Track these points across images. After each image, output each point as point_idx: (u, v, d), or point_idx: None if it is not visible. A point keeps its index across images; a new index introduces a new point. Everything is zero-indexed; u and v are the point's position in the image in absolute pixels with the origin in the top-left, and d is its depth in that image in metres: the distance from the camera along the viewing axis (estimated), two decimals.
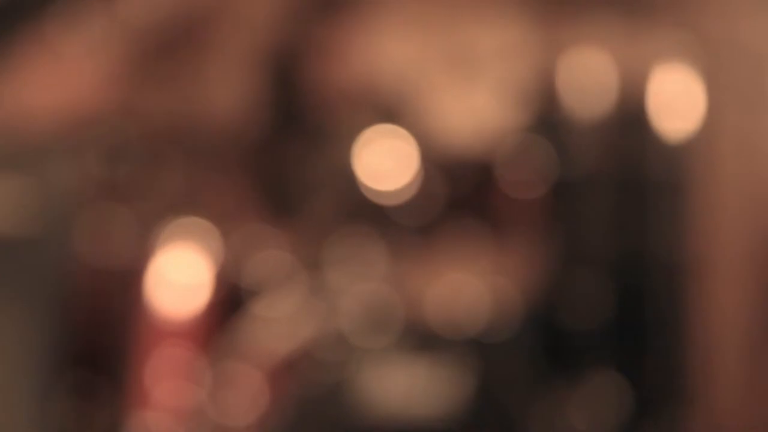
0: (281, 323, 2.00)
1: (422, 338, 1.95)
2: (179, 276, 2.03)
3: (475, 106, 2.12)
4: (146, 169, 2.11)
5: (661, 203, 2.07)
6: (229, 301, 2.02)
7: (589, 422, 2.00)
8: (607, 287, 2.06)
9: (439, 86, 2.14)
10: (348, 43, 2.16)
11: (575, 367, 2.05)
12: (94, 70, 2.09)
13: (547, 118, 2.11)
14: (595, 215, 2.08)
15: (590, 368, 2.04)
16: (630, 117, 2.07)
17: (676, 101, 2.06)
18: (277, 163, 2.14)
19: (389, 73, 2.14)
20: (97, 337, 2.03)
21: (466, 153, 2.12)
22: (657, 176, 2.08)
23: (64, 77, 2.08)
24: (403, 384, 1.92)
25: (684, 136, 2.06)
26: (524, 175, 2.10)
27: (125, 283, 2.02)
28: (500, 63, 2.13)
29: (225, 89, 2.15)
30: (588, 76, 2.08)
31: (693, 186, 2.04)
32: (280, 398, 1.93)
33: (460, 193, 2.10)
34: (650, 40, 2.06)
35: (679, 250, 2.06)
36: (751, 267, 2.02)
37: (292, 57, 2.17)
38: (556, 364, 2.04)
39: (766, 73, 1.98)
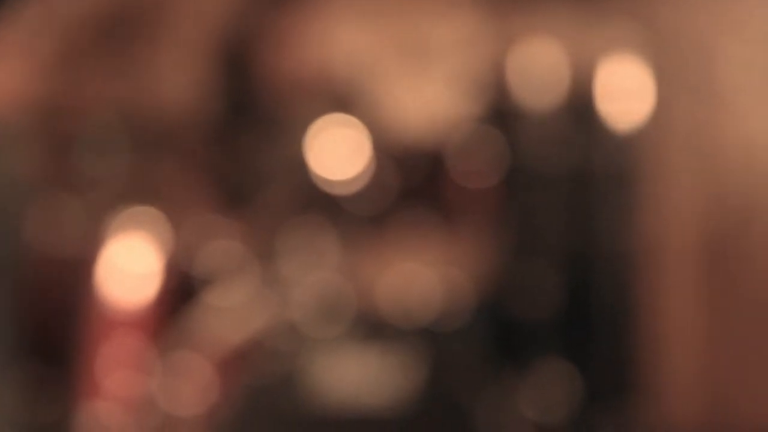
0: (233, 313, 1.98)
1: (374, 328, 1.94)
2: (130, 265, 2.01)
3: (428, 97, 2.12)
4: (96, 159, 2.09)
5: (611, 194, 2.08)
6: (181, 291, 2.00)
7: (540, 411, 2.00)
8: (558, 277, 2.07)
9: (392, 76, 2.13)
10: (301, 33, 2.14)
11: (526, 356, 2.05)
12: (39, 59, 2.06)
13: (499, 108, 2.10)
14: (545, 206, 2.08)
15: (540, 357, 2.04)
16: (581, 108, 2.07)
17: (627, 92, 2.06)
18: (229, 153, 2.13)
19: (342, 62, 2.13)
20: (48, 327, 2.01)
21: (419, 143, 2.11)
22: (607, 167, 2.08)
23: (8, 66, 2.05)
24: (354, 373, 1.91)
25: (634, 127, 2.06)
26: (476, 165, 2.10)
27: (76, 272, 2.00)
28: (453, 53, 2.12)
29: (177, 78, 2.13)
30: (539, 67, 2.08)
31: (643, 177, 2.04)
32: (231, 388, 1.92)
33: (412, 183, 2.09)
34: (601, 32, 2.06)
35: (629, 241, 2.06)
36: (700, 257, 2.02)
37: (245, 46, 2.15)
38: (506, 353, 2.04)
39: (715, 64, 1.99)
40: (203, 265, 2.03)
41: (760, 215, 1.97)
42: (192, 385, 1.93)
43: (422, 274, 2.05)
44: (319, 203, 2.07)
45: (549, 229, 2.07)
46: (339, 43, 2.13)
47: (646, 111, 2.04)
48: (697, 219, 2.01)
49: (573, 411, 2.01)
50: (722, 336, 1.99)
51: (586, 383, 2.02)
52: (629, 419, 2.01)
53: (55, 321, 2.00)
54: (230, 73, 2.14)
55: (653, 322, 2.02)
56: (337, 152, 2.09)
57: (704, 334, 2.00)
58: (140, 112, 2.12)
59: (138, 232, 2.03)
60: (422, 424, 1.90)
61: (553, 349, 2.03)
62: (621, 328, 2.05)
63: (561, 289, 2.05)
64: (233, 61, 2.15)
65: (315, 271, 2.03)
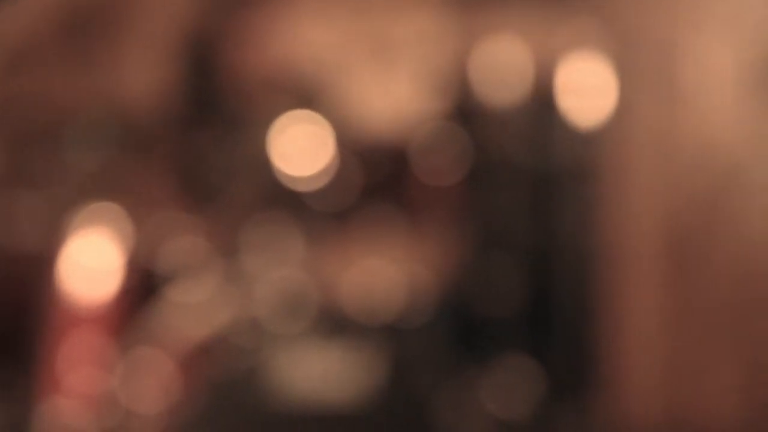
0: (195, 309, 1.97)
1: (337, 324, 1.93)
2: (91, 262, 1.99)
3: (392, 93, 2.11)
4: (58, 154, 2.06)
5: (573, 191, 2.07)
6: (142, 288, 1.98)
7: (501, 406, 2.00)
8: (520, 274, 2.06)
9: (356, 73, 2.12)
10: (265, 30, 2.13)
11: (488, 352, 2.04)
12: (0, 55, 2.04)
13: (463, 106, 2.10)
14: (508, 203, 2.07)
15: (502, 353, 2.04)
16: (544, 105, 2.07)
17: (589, 89, 2.06)
18: (193, 149, 2.11)
19: (306, 59, 2.12)
20: (9, 323, 1.99)
21: (383, 140, 2.10)
22: (570, 164, 2.08)
23: None
24: (317, 369, 1.90)
25: (596, 124, 2.06)
26: (440, 162, 2.09)
27: (37, 269, 1.98)
28: (417, 51, 2.11)
29: (141, 74, 2.11)
30: (503, 64, 2.07)
31: (605, 173, 2.04)
32: (194, 385, 1.91)
33: (376, 179, 2.08)
34: (564, 29, 2.05)
35: (591, 238, 2.06)
36: (661, 253, 2.02)
37: (210, 43, 2.14)
38: (468, 349, 2.04)
39: (677, 61, 1.99)
40: (165, 261, 2.01)
41: (720, 212, 1.98)
42: (154, 381, 1.91)
43: (385, 271, 2.04)
44: (282, 200, 2.05)
45: (512, 226, 2.06)
46: (303, 40, 2.11)
47: (609, 108, 2.04)
48: (658, 216, 2.01)
49: (534, 406, 2.00)
50: (682, 332, 1.99)
51: (547, 379, 2.02)
52: (590, 414, 2.01)
53: (16, 318, 1.98)
54: (194, 70, 2.12)
55: (614, 319, 2.02)
56: (300, 149, 2.08)
57: (664, 331, 2.01)
58: (104, 109, 2.10)
59: (99, 229, 2.01)
60: (385, 420, 1.89)
61: (514, 345, 2.03)
62: (582, 325, 2.05)
63: (523, 285, 2.05)
64: (198, 58, 2.13)
65: (278, 268, 2.01)
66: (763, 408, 1.93)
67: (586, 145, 2.06)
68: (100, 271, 1.98)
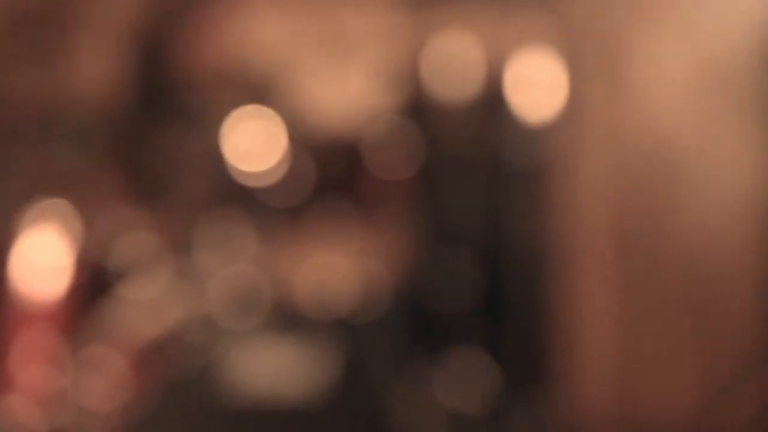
0: (147, 306, 1.95)
1: (290, 320, 1.92)
2: (42, 259, 1.97)
3: (345, 88, 2.10)
4: (7, 150, 2.04)
5: (525, 185, 2.07)
6: (94, 284, 1.96)
7: (455, 400, 2.00)
8: (473, 268, 2.06)
9: (309, 68, 2.11)
10: (218, 23, 2.11)
11: (442, 346, 2.04)
12: None
13: (415, 101, 2.09)
14: (461, 197, 2.07)
15: (456, 348, 2.04)
16: (495, 100, 2.07)
17: (540, 85, 2.07)
18: (145, 144, 2.09)
19: (259, 53, 2.11)
20: None
21: (336, 135, 2.09)
22: (521, 159, 2.08)
23: None
24: (271, 365, 1.89)
25: (547, 120, 2.07)
26: (393, 157, 2.09)
27: None
28: (370, 45, 2.11)
29: (92, 69, 2.09)
30: (455, 59, 2.07)
31: (556, 168, 2.05)
32: (146, 382, 1.89)
33: (329, 174, 2.08)
34: (515, 25, 2.06)
35: (543, 232, 2.06)
36: (613, 248, 2.03)
37: (162, 36, 2.12)
38: (422, 343, 2.04)
39: (626, 57, 2.00)
40: (117, 258, 1.99)
41: (669, 207, 1.99)
42: (106, 379, 1.89)
43: (339, 266, 2.04)
44: (235, 195, 2.04)
45: (464, 221, 2.06)
46: (256, 34, 2.10)
47: (559, 104, 2.04)
48: (608, 211, 2.02)
49: (488, 400, 2.01)
50: (634, 326, 2.00)
51: (500, 373, 2.02)
52: (543, 408, 2.02)
53: None
54: (147, 64, 2.10)
55: (566, 313, 2.02)
56: (253, 144, 2.06)
57: (616, 325, 2.01)
58: (54, 103, 2.08)
59: (50, 226, 1.99)
60: (339, 415, 1.88)
61: (468, 340, 2.03)
62: (535, 319, 2.05)
63: (476, 280, 2.05)
64: (149, 53, 2.11)
65: (231, 264, 2.00)
66: (715, 401, 1.94)
67: (537, 141, 2.06)
68: (51, 268, 1.96)
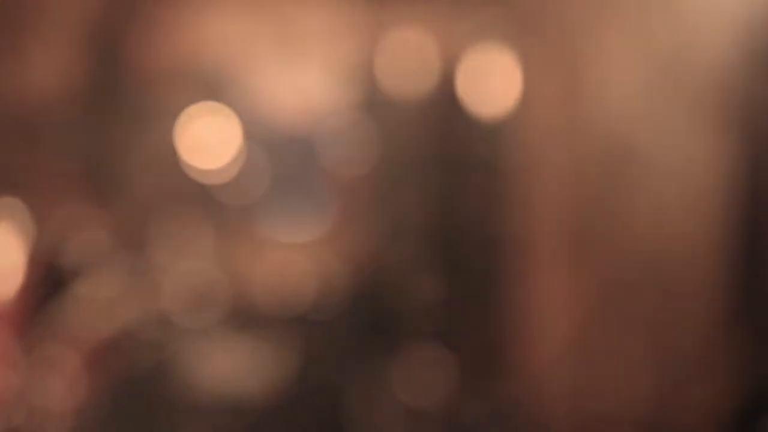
0: (103, 304, 1.94)
1: (248, 316, 1.92)
2: None
3: (300, 85, 2.10)
4: None
5: (481, 181, 2.08)
6: (48, 283, 1.94)
7: (414, 395, 2.00)
8: (431, 263, 2.07)
9: (264, 64, 2.10)
10: (172, 20, 2.10)
11: (399, 341, 2.05)
12: None
13: (371, 97, 2.09)
14: (417, 193, 2.07)
15: (414, 342, 2.04)
16: (449, 96, 2.08)
17: (495, 80, 2.07)
18: (99, 141, 2.08)
19: (213, 50, 2.10)
20: None
21: (291, 131, 2.09)
22: (476, 153, 2.09)
23: None
24: (228, 362, 1.88)
25: (501, 115, 2.07)
26: (348, 152, 2.09)
27: None
28: (325, 42, 2.10)
29: (44, 65, 2.07)
30: (410, 55, 2.07)
31: (512, 164, 2.05)
32: (102, 380, 1.88)
33: (285, 170, 2.07)
34: (470, 21, 2.06)
35: (501, 228, 2.07)
36: (568, 242, 2.04)
37: (116, 32, 2.10)
38: (381, 338, 2.04)
39: (580, 53, 2.00)
40: (71, 255, 1.98)
41: (624, 201, 2.00)
42: (61, 378, 1.88)
43: (296, 262, 2.03)
44: (190, 192, 2.03)
45: (420, 217, 2.06)
46: (210, 31, 2.09)
47: (514, 99, 2.05)
48: (563, 206, 2.03)
49: (445, 394, 2.01)
50: (588, 319, 2.01)
51: (458, 367, 2.02)
52: (500, 402, 2.02)
53: None
54: (100, 60, 2.09)
55: (523, 308, 2.03)
56: (208, 141, 2.05)
57: (571, 317, 2.02)
58: (4, 99, 2.06)
59: (2, 224, 1.97)
60: (297, 411, 1.88)
61: (426, 334, 2.03)
62: (492, 314, 2.06)
63: (434, 274, 2.05)
64: (103, 49, 2.10)
65: (187, 261, 1.99)
66: (670, 391, 1.96)
67: (491, 136, 2.06)
68: (4, 267, 1.94)
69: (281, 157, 2.06)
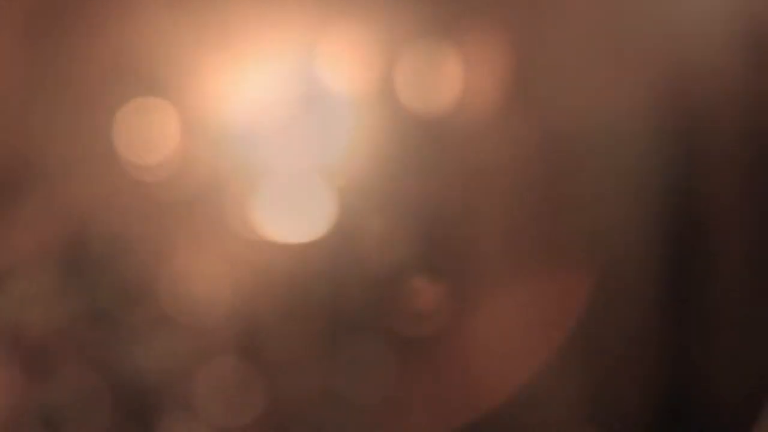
0: (38, 302, 1.94)
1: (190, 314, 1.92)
2: None
3: (240, 81, 2.09)
4: None
5: (424, 181, 2.07)
6: None
7: (352, 388, 2.01)
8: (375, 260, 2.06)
9: (204, 59, 2.09)
10: (111, 14, 2.08)
11: (342, 336, 2.04)
12: None
13: (310, 95, 2.08)
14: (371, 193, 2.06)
15: (356, 336, 2.04)
16: (389, 93, 2.06)
17: (435, 78, 2.06)
18: (30, 138, 2.06)
19: (151, 44, 2.08)
20: None
21: (231, 127, 2.08)
22: (417, 154, 2.08)
23: None
24: (173, 360, 1.89)
25: (442, 113, 2.06)
26: (288, 149, 2.07)
27: None
28: (265, 38, 2.09)
29: None
30: (350, 52, 2.06)
31: (451, 164, 2.04)
32: (37, 383, 1.88)
33: (226, 166, 2.06)
34: (410, 16, 2.04)
35: (436, 227, 2.06)
36: (511, 248, 2.03)
37: (49, 26, 2.08)
38: (325, 333, 2.04)
39: (526, 47, 1.99)
40: (4, 253, 1.97)
41: (562, 199, 1.99)
42: None
43: (238, 257, 2.03)
44: (128, 189, 2.02)
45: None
46: (148, 25, 2.07)
47: (455, 97, 2.04)
48: (505, 209, 2.02)
49: (385, 388, 2.01)
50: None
51: (396, 360, 2.02)
52: (441, 392, 2.02)
53: None
54: (37, 55, 2.07)
55: (461, 299, 2.03)
56: (146, 138, 2.04)
57: (507, 310, 2.02)
58: None
59: None
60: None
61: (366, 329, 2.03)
62: (431, 304, 2.05)
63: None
64: (41, 44, 2.08)
65: (126, 257, 1.99)
66: (599, 388, 1.96)
67: (431, 135, 2.05)
68: None
69: (222, 152, 2.05)
